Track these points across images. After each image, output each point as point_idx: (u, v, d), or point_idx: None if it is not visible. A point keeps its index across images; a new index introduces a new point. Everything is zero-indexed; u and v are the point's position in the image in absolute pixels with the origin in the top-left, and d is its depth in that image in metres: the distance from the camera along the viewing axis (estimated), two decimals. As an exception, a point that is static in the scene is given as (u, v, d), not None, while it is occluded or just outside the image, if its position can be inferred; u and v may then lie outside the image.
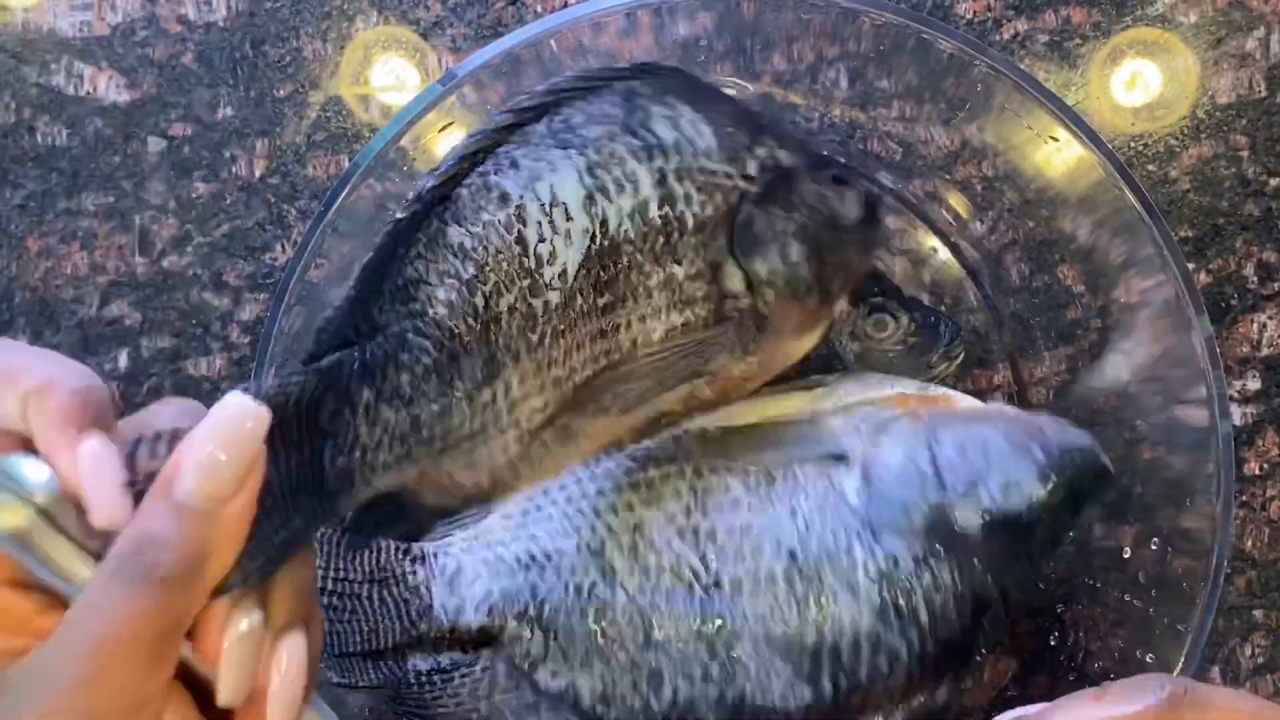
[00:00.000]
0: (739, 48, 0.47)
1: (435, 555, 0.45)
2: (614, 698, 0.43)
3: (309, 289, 0.43)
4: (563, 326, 0.40)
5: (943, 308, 0.51)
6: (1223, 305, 0.53)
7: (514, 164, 0.41)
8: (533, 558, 0.45)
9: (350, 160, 0.50)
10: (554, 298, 0.40)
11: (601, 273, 0.40)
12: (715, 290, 0.42)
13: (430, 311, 0.39)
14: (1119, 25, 0.53)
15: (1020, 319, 0.51)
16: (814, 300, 0.43)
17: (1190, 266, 0.50)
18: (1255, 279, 0.53)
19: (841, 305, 0.47)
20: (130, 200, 0.54)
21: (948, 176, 0.50)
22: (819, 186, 0.43)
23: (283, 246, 0.54)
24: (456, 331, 0.39)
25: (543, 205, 0.40)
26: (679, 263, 0.41)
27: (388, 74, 0.54)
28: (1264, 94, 0.53)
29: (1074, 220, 0.47)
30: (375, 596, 0.44)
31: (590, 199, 0.40)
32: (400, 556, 0.45)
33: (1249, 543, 0.52)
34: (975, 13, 0.53)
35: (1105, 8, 0.53)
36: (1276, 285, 0.53)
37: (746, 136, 0.42)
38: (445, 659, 0.45)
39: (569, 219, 0.40)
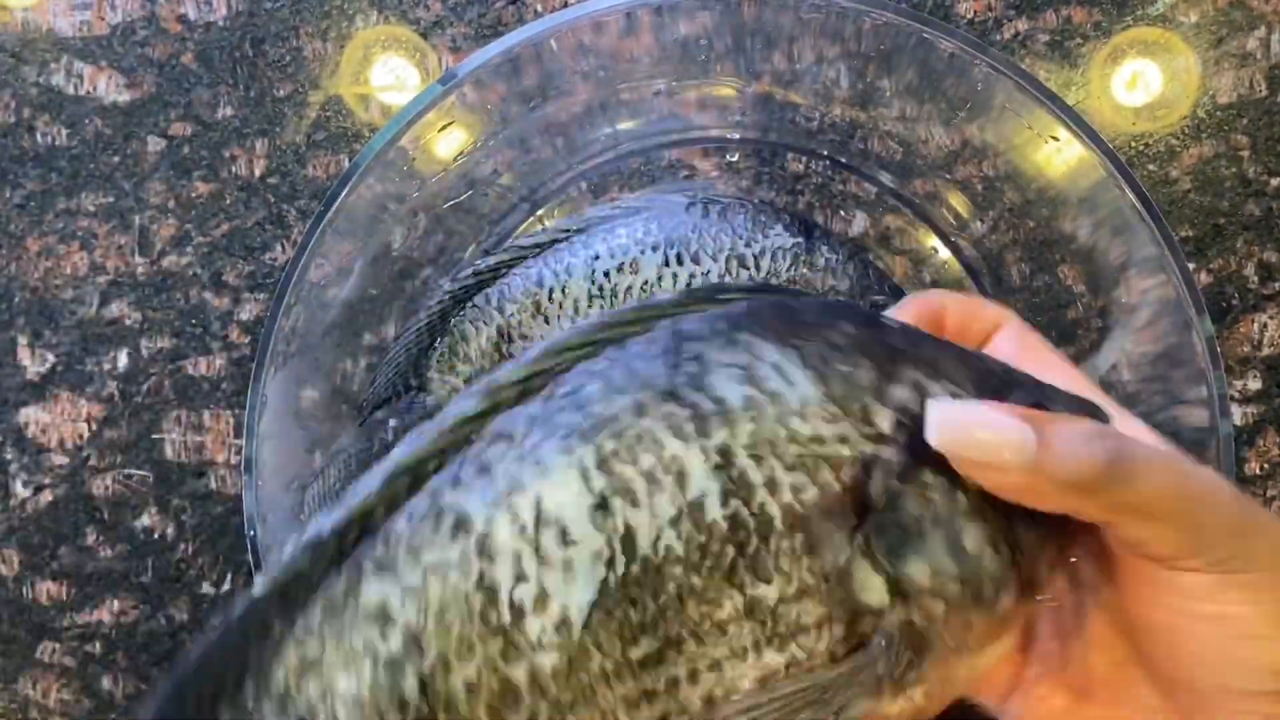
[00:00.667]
0: (739, 47, 0.47)
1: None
2: None
3: (309, 289, 0.43)
4: (569, 698, 0.28)
5: (943, 307, 0.51)
6: (1223, 305, 0.53)
7: (482, 469, 0.29)
8: None
9: (350, 160, 0.50)
10: (548, 661, 0.28)
11: (632, 612, 0.28)
12: (841, 608, 0.29)
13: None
14: (1120, 25, 0.53)
15: (1021, 319, 0.51)
16: (1008, 599, 0.29)
17: (1191, 266, 0.50)
18: (1256, 279, 0.53)
19: (1053, 585, 0.31)
20: (130, 200, 0.54)
21: (948, 176, 0.50)
22: None
23: (282, 246, 0.54)
24: None
25: (522, 529, 0.28)
26: (766, 580, 0.28)
27: (388, 73, 0.54)
28: (1265, 93, 0.53)
29: (1074, 220, 0.47)
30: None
31: (602, 508, 0.28)
32: None
33: (1249, 543, 0.52)
34: (976, 12, 0.53)
35: (1106, 7, 0.53)
36: (1277, 285, 0.53)
37: (872, 371, 0.29)
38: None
39: (568, 543, 0.28)
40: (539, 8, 0.54)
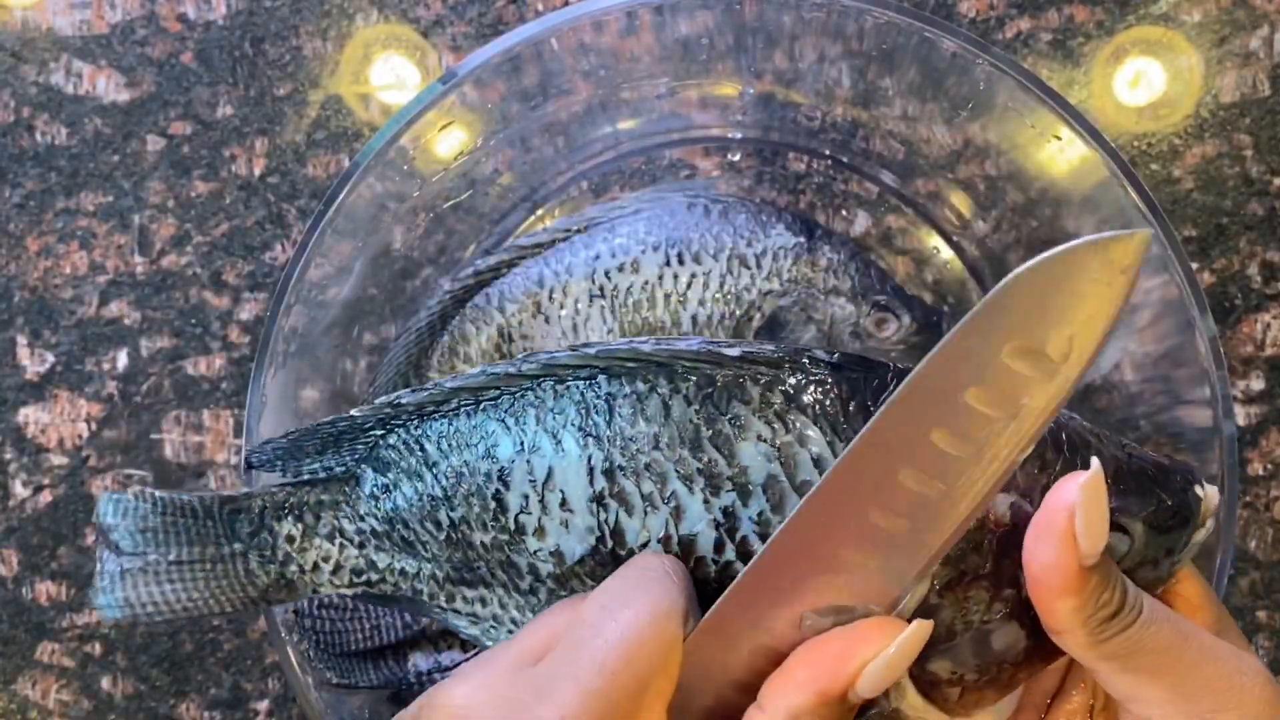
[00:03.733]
0: (740, 46, 0.47)
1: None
2: None
3: (309, 288, 0.43)
4: (564, 594, 0.33)
5: (945, 307, 0.51)
6: (1226, 305, 0.52)
7: (522, 419, 0.34)
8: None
9: (350, 159, 0.49)
10: (544, 567, 0.33)
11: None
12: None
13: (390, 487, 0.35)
14: (1122, 24, 0.53)
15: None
16: (1023, 675, 0.31)
17: (1194, 266, 0.50)
18: (1259, 279, 0.52)
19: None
20: (129, 199, 0.54)
21: (950, 175, 0.50)
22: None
23: (282, 246, 0.54)
24: (409, 524, 0.35)
25: (534, 481, 0.33)
26: None
27: (388, 72, 0.54)
28: (1268, 93, 0.53)
29: (1077, 220, 0.47)
30: (376, 596, 0.44)
31: (599, 503, 0.32)
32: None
33: (1252, 544, 0.52)
34: (978, 11, 0.53)
35: (1109, 6, 0.53)
36: (1280, 285, 0.53)
37: None
38: (446, 657, 0.45)
39: (568, 510, 0.33)
40: (539, 7, 0.54)
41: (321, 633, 0.43)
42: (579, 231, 0.48)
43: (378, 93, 0.54)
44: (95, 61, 0.54)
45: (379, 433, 0.36)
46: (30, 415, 0.54)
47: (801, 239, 0.47)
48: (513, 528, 0.33)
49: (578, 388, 0.33)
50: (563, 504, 0.32)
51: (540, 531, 0.33)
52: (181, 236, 0.54)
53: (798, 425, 0.31)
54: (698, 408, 0.31)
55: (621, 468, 0.32)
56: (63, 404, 0.54)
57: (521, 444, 0.33)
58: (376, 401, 0.35)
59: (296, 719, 0.53)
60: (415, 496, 0.35)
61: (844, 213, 0.53)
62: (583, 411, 0.33)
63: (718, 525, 0.31)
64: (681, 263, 0.47)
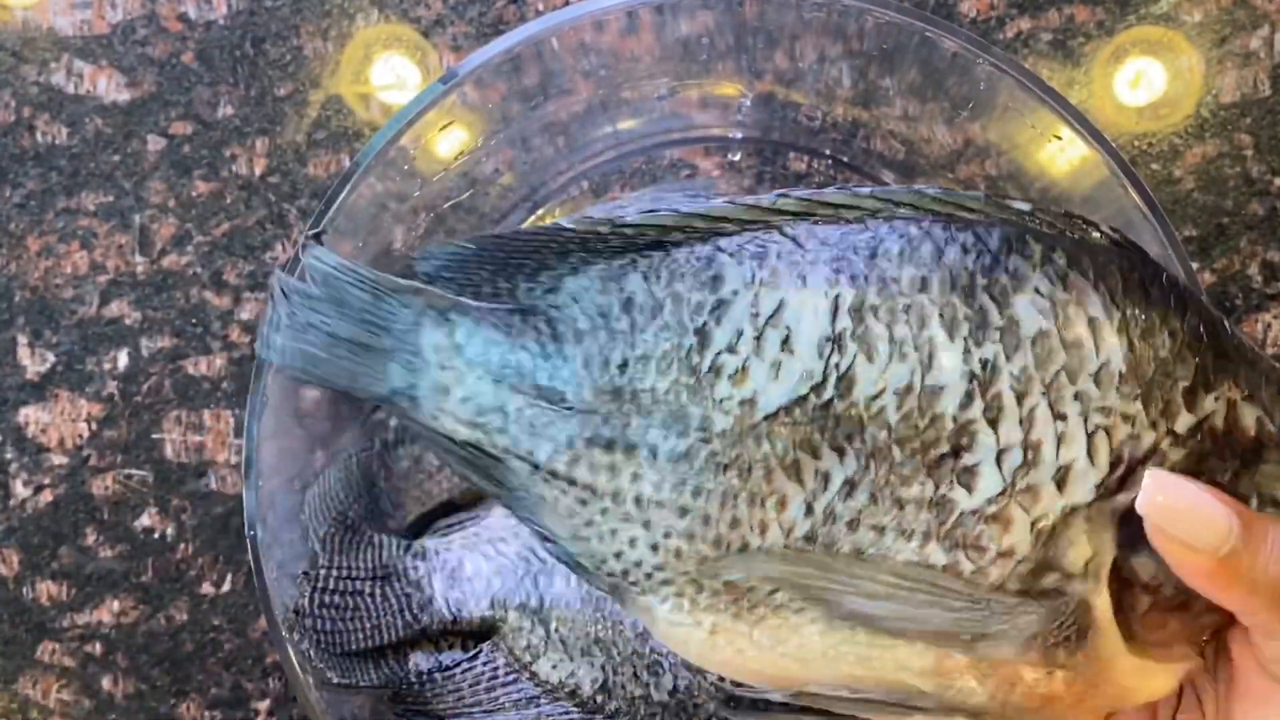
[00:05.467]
0: (741, 46, 0.47)
1: (437, 551, 0.45)
2: (614, 687, 0.43)
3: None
4: (725, 460, 0.30)
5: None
6: (1227, 305, 0.52)
7: (760, 252, 0.31)
8: (533, 551, 0.45)
9: (351, 159, 0.49)
10: (720, 421, 0.30)
11: (816, 435, 0.29)
12: (1035, 552, 0.29)
13: (563, 324, 0.33)
14: (1123, 24, 0.53)
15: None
16: (1209, 623, 0.30)
17: (1195, 266, 0.50)
18: (1260, 278, 0.53)
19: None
20: (130, 199, 0.54)
21: (951, 175, 0.50)
22: None
23: (283, 246, 0.54)
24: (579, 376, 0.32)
25: (755, 315, 0.30)
26: (968, 489, 0.29)
27: (388, 72, 0.54)
28: (1268, 93, 0.53)
29: (1078, 219, 0.47)
30: (378, 593, 0.44)
31: (836, 344, 0.29)
32: (402, 552, 0.45)
33: (1253, 543, 0.52)
34: (979, 11, 0.53)
35: (1109, 6, 0.53)
36: (1281, 285, 0.53)
37: (1192, 371, 0.29)
38: (446, 657, 0.45)
39: (788, 350, 0.30)
40: (540, 6, 0.54)
41: (322, 632, 0.43)
42: None
43: (378, 92, 0.54)
44: (96, 61, 0.54)
45: (575, 259, 0.33)
46: (31, 415, 0.54)
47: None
48: (705, 367, 0.30)
49: (835, 225, 0.31)
50: (785, 342, 0.30)
51: (741, 374, 0.30)
52: (182, 236, 0.54)
53: (1078, 286, 0.29)
54: (975, 256, 0.29)
55: (874, 307, 0.29)
56: (63, 404, 0.54)
57: (753, 276, 0.31)
58: (594, 215, 0.33)
59: (297, 719, 0.53)
60: (592, 330, 0.32)
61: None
62: (839, 248, 0.30)
63: (972, 377, 0.29)
64: None
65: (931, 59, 0.44)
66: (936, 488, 0.29)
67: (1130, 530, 0.29)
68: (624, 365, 0.31)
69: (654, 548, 0.31)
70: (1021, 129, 0.45)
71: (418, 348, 0.34)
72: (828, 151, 0.52)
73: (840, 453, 0.29)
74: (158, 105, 0.54)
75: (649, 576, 0.31)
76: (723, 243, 0.32)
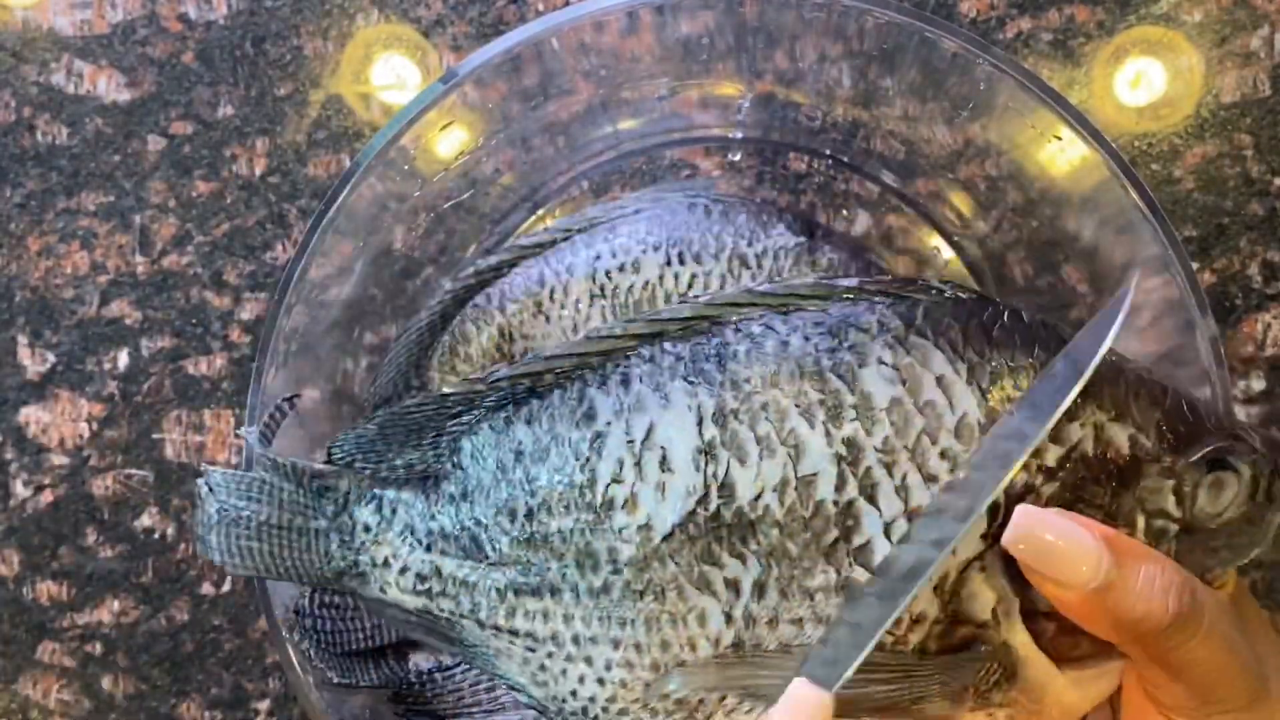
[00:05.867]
0: (741, 46, 0.47)
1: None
2: None
3: (310, 288, 0.43)
4: (640, 586, 0.31)
5: (945, 307, 0.51)
6: (1227, 305, 0.52)
7: (625, 380, 0.32)
8: None
9: (351, 159, 0.49)
10: (626, 550, 0.31)
11: (715, 546, 0.31)
12: (943, 610, 0.30)
13: (456, 475, 0.35)
14: (1123, 24, 0.53)
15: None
16: (1085, 643, 0.31)
17: (1194, 266, 0.50)
18: (1260, 279, 0.52)
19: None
20: (130, 199, 0.54)
21: (951, 176, 0.50)
22: (1195, 475, 0.30)
23: (283, 245, 0.54)
24: (486, 528, 0.34)
25: (631, 442, 0.32)
26: (867, 568, 0.30)
27: (389, 72, 0.54)
28: (1268, 93, 0.53)
29: (1078, 220, 0.47)
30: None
31: (709, 454, 0.31)
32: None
33: (1253, 543, 0.52)
34: (979, 11, 0.53)
35: (1109, 6, 0.53)
36: (1281, 285, 0.53)
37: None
38: (447, 656, 0.45)
39: (667, 469, 0.31)
40: (540, 6, 0.54)
41: (322, 632, 0.43)
42: (580, 231, 0.48)
43: (378, 92, 0.54)
44: (96, 61, 0.54)
45: (467, 418, 0.35)
46: (31, 415, 0.54)
47: (802, 239, 0.47)
48: (599, 503, 0.32)
49: (685, 340, 0.32)
50: (663, 463, 0.31)
51: (631, 502, 0.31)
52: (182, 236, 0.54)
53: (920, 347, 0.30)
54: (816, 340, 0.31)
55: (734, 411, 0.30)
56: (64, 404, 0.54)
57: (620, 404, 0.32)
58: (467, 378, 0.34)
59: (297, 719, 0.53)
60: (495, 485, 0.34)
61: (845, 213, 0.53)
62: (691, 360, 0.32)
63: (839, 459, 0.29)
64: (682, 262, 0.47)
65: (931, 59, 0.44)
66: (838, 572, 0.30)
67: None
68: (530, 514, 0.33)
69: (600, 682, 0.33)
70: (1021, 129, 0.45)
71: (351, 526, 0.36)
72: (828, 151, 0.52)
73: (741, 558, 0.30)
74: (158, 105, 0.54)
75: (605, 710, 0.33)
76: (589, 376, 0.33)
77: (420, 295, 0.50)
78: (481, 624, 0.35)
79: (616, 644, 0.32)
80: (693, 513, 0.31)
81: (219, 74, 0.54)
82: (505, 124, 0.47)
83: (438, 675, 0.45)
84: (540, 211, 0.53)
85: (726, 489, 0.31)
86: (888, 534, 0.29)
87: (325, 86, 0.54)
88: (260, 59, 0.54)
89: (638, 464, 0.31)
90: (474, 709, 0.44)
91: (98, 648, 0.53)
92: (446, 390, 0.35)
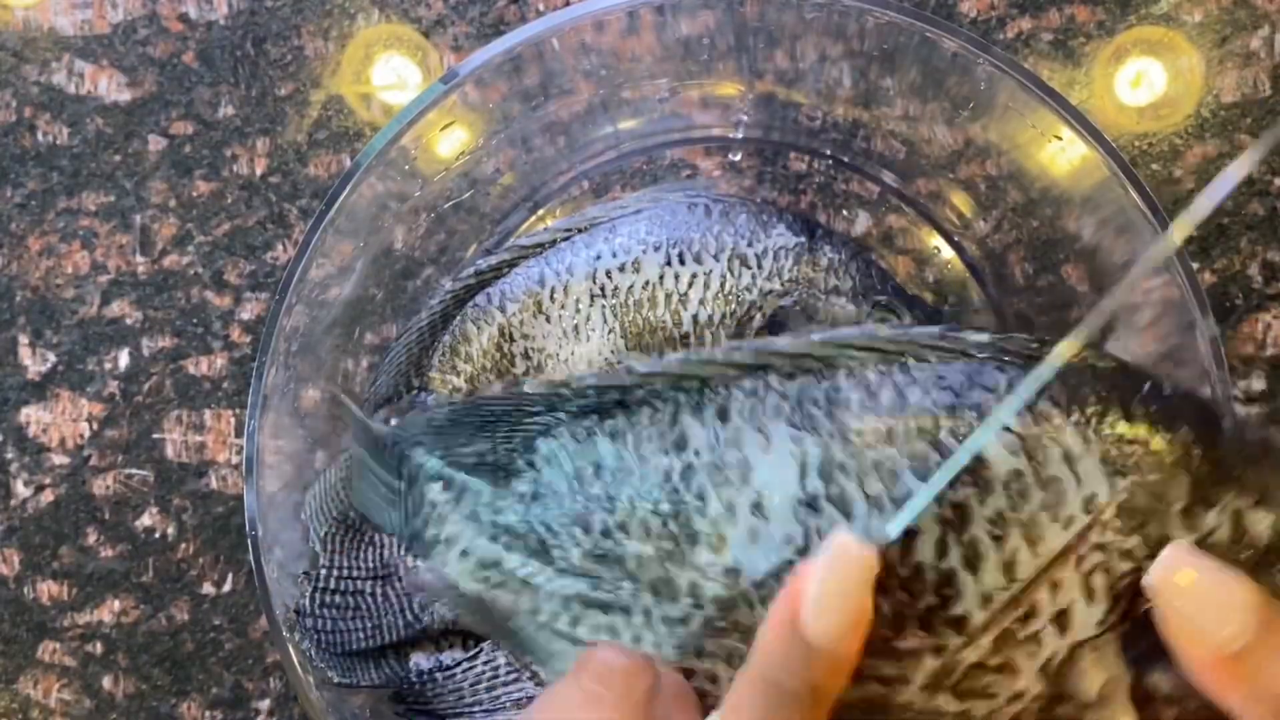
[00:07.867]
0: (742, 46, 0.47)
1: (437, 554, 0.45)
2: None
3: (310, 288, 0.43)
4: (724, 626, 0.30)
5: (946, 307, 0.51)
6: (1227, 305, 0.52)
7: (722, 413, 0.30)
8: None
9: (352, 159, 0.49)
10: (712, 589, 0.29)
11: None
12: (1047, 690, 0.28)
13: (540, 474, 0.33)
14: (1123, 24, 0.53)
15: (1024, 319, 0.51)
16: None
17: (1195, 266, 0.50)
18: (1260, 279, 0.52)
19: None
20: (131, 199, 0.54)
21: (951, 175, 0.50)
22: None
23: (284, 245, 0.54)
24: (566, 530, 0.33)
25: (723, 480, 0.29)
26: (961, 635, 0.28)
27: (389, 72, 0.54)
28: (1269, 93, 0.53)
29: (1078, 219, 0.47)
30: (378, 593, 0.44)
31: (810, 507, 0.28)
32: (403, 552, 0.45)
33: (1253, 543, 0.52)
34: (979, 11, 0.53)
35: (1109, 6, 0.53)
36: (1281, 285, 0.53)
37: (1187, 490, 0.27)
38: (447, 656, 0.45)
39: (761, 516, 0.29)
40: (541, 6, 0.54)
41: (323, 632, 0.43)
42: (580, 231, 0.48)
43: (379, 93, 0.54)
44: (97, 61, 0.54)
45: (545, 419, 0.33)
46: (32, 415, 0.54)
47: (802, 239, 0.47)
48: (683, 535, 0.30)
49: (792, 379, 0.29)
50: (757, 508, 0.29)
51: (718, 542, 0.29)
52: (183, 236, 0.54)
53: (1048, 418, 0.27)
54: (936, 395, 0.28)
55: (842, 465, 0.28)
56: (64, 403, 0.54)
57: (716, 437, 0.30)
58: (551, 379, 0.33)
59: (298, 718, 0.53)
60: (570, 494, 0.32)
61: (845, 213, 0.53)
62: (798, 403, 0.29)
63: (945, 522, 0.27)
64: (683, 262, 0.47)
65: (932, 59, 0.44)
66: (934, 639, 0.28)
67: (1144, 646, 0.27)
68: (605, 531, 0.31)
69: None
70: (1022, 129, 0.45)
71: (422, 499, 0.36)
72: (828, 151, 0.52)
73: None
74: (158, 105, 0.54)
75: None
76: (683, 399, 0.31)
77: (421, 295, 0.50)
78: (541, 624, 0.33)
79: (690, 674, 0.30)
80: (790, 562, 0.28)
81: (219, 74, 0.54)
82: (506, 124, 0.47)
83: (438, 675, 0.45)
84: (540, 211, 0.53)
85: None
86: (983, 606, 0.27)
87: (326, 86, 0.54)
88: (261, 59, 0.54)
89: (730, 505, 0.29)
90: (474, 709, 0.44)
91: (98, 647, 0.53)
92: (527, 388, 0.33)
